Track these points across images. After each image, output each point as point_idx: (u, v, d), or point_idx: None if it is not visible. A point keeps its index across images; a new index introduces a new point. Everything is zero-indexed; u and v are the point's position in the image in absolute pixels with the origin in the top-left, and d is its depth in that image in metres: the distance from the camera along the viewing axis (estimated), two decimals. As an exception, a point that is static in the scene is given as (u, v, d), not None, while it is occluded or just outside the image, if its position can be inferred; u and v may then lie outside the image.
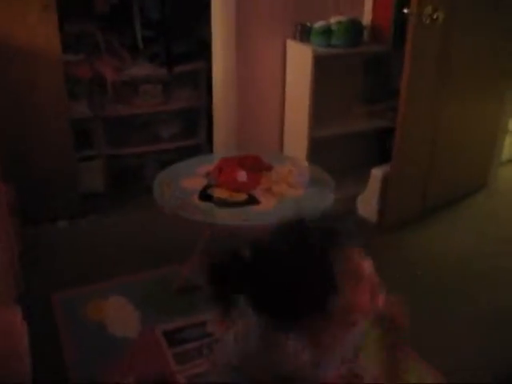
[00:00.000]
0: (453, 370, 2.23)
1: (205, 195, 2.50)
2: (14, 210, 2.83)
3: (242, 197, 2.49)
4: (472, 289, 2.79)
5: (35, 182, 3.19)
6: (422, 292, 2.72)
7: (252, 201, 2.45)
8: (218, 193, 2.52)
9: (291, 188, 2.59)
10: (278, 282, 1.04)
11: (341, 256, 1.06)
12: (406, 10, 2.81)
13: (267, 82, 3.46)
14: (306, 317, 1.04)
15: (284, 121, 3.57)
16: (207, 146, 3.90)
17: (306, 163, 3.16)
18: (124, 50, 3.60)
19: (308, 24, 3.26)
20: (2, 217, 2.39)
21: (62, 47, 3.01)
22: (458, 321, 2.55)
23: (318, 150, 3.33)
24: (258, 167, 2.65)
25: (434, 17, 2.78)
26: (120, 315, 2.53)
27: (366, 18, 3.48)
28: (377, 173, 3.32)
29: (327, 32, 3.22)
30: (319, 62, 3.16)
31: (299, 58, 3.28)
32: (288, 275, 1.04)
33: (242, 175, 2.54)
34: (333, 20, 3.27)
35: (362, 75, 3.66)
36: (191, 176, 2.70)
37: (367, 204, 3.41)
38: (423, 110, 3.11)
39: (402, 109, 2.99)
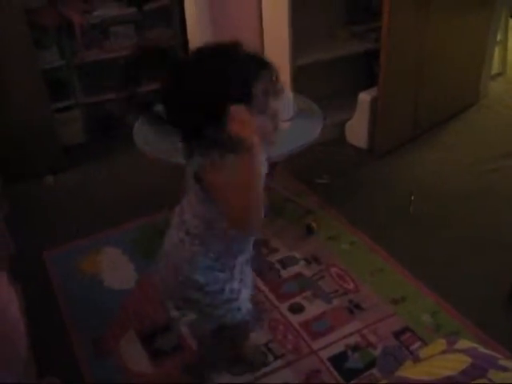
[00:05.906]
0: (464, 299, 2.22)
1: (188, 137, 2.40)
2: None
3: (227, 135, 2.39)
4: (470, 209, 2.73)
5: (14, 139, 3.09)
6: (418, 218, 2.68)
7: (238, 138, 2.36)
8: (202, 133, 2.42)
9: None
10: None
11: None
12: None
13: (243, 12, 3.28)
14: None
15: (264, 52, 3.41)
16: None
17: (291, 94, 3.04)
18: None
19: None
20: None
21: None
22: (459, 242, 2.50)
23: (302, 78, 3.19)
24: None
25: None
26: (115, 267, 2.49)
27: None
28: (365, 97, 3.21)
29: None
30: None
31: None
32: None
33: (224, 112, 2.43)
34: None
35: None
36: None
37: (356, 130, 3.33)
38: (408, 26, 2.97)
39: (385, 25, 2.85)
